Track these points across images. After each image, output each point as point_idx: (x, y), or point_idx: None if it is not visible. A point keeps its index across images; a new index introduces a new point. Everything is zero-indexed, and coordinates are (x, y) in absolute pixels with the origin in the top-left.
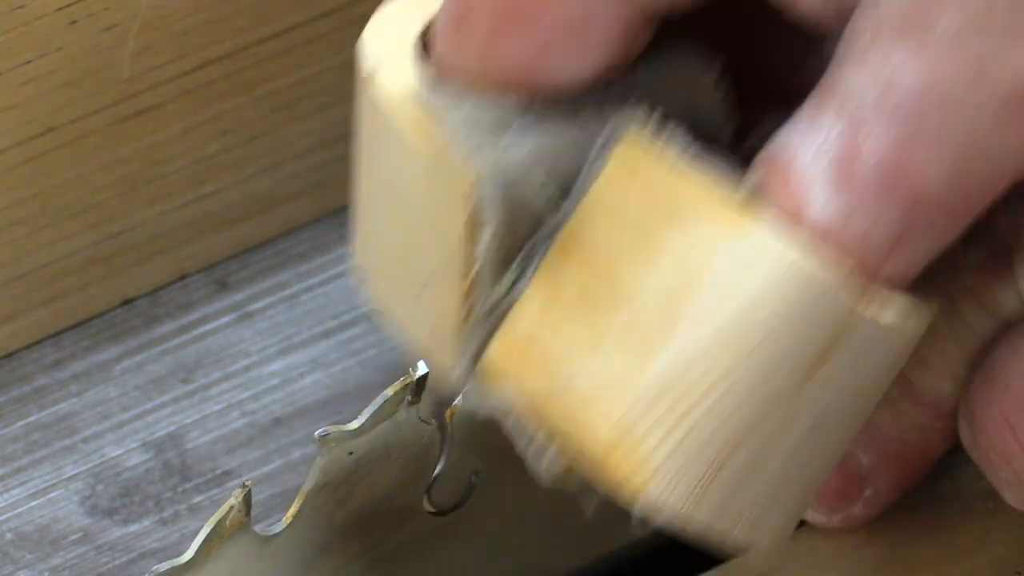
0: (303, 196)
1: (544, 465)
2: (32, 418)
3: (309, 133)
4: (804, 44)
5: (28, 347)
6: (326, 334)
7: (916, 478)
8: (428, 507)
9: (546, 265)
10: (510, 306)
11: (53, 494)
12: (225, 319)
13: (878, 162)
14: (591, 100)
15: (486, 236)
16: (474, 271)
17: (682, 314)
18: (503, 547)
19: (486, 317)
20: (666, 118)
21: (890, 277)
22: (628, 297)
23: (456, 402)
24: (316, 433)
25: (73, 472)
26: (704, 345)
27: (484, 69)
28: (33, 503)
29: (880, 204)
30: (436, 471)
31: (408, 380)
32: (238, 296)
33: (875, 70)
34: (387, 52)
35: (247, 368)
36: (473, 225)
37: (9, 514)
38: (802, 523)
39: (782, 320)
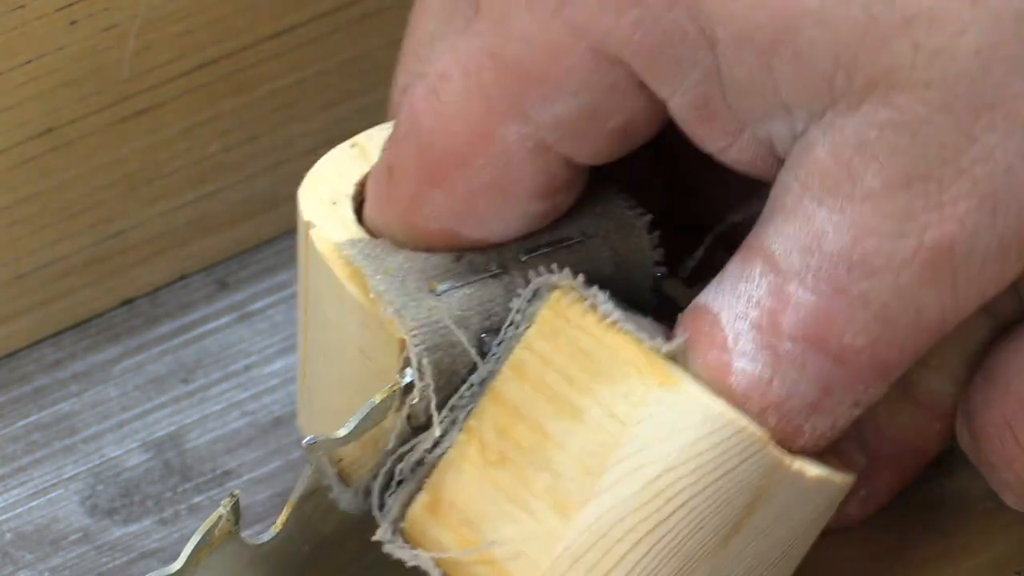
0: None
1: None
2: (32, 418)
3: (309, 133)
4: (748, 182)
5: (28, 347)
6: None
7: (911, 478)
8: None
9: (471, 423)
10: (433, 464)
11: (53, 494)
12: (225, 319)
13: (797, 325)
14: (520, 251)
15: (415, 395)
16: (397, 428)
17: (609, 468)
18: None
19: (410, 474)
20: (596, 263)
21: (808, 443)
22: (554, 452)
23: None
24: (304, 441)
25: (73, 472)
26: (630, 500)
27: (410, 226)
28: (33, 503)
29: (799, 369)
30: None
31: (395, 387)
32: (238, 296)
33: (799, 228)
34: (325, 202)
35: (247, 368)
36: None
37: (9, 514)
38: None
39: (708, 474)
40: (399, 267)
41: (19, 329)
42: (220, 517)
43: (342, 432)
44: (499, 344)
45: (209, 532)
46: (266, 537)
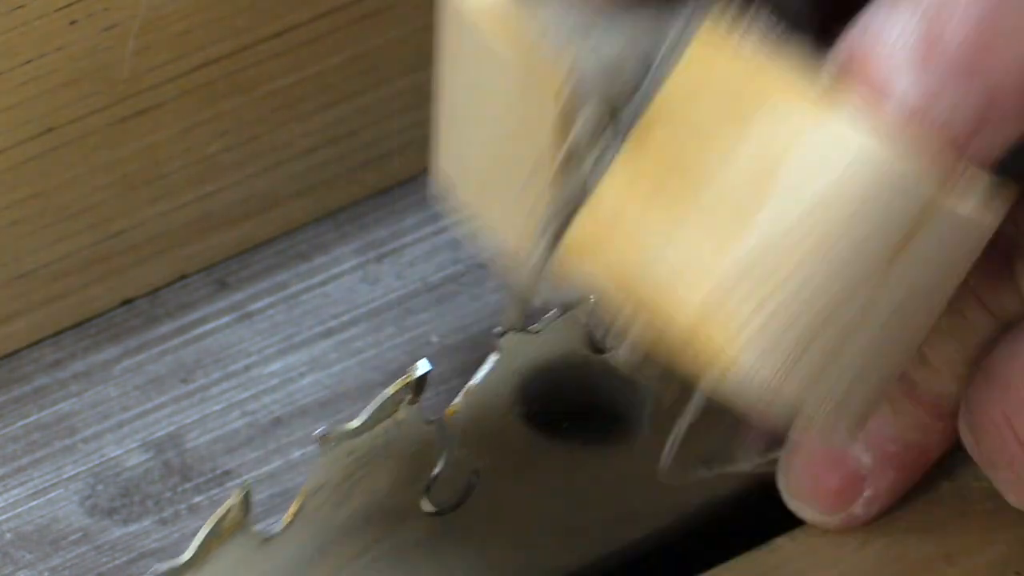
0: (303, 196)
1: (625, 349)
2: (32, 418)
3: (309, 133)
4: None
5: (28, 347)
6: (326, 334)
7: (915, 479)
8: (428, 507)
9: (629, 148)
10: (590, 189)
11: (53, 494)
12: (225, 319)
13: (961, 43)
14: None
15: (582, 119)
16: (561, 156)
17: (765, 197)
18: (502, 547)
19: (567, 200)
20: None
21: (976, 154)
22: (711, 179)
23: (455, 402)
24: (316, 432)
25: (73, 472)
26: (789, 226)
27: None
28: (33, 503)
29: (965, 83)
30: (435, 471)
31: (408, 379)
32: (238, 296)
33: None
34: None
35: (247, 368)
36: (565, 119)
37: (9, 514)
38: (802, 523)
39: (863, 206)
40: (555, 12)
41: (19, 329)
42: (230, 508)
43: (354, 424)
44: (651, 79)
45: (219, 524)
46: (275, 530)
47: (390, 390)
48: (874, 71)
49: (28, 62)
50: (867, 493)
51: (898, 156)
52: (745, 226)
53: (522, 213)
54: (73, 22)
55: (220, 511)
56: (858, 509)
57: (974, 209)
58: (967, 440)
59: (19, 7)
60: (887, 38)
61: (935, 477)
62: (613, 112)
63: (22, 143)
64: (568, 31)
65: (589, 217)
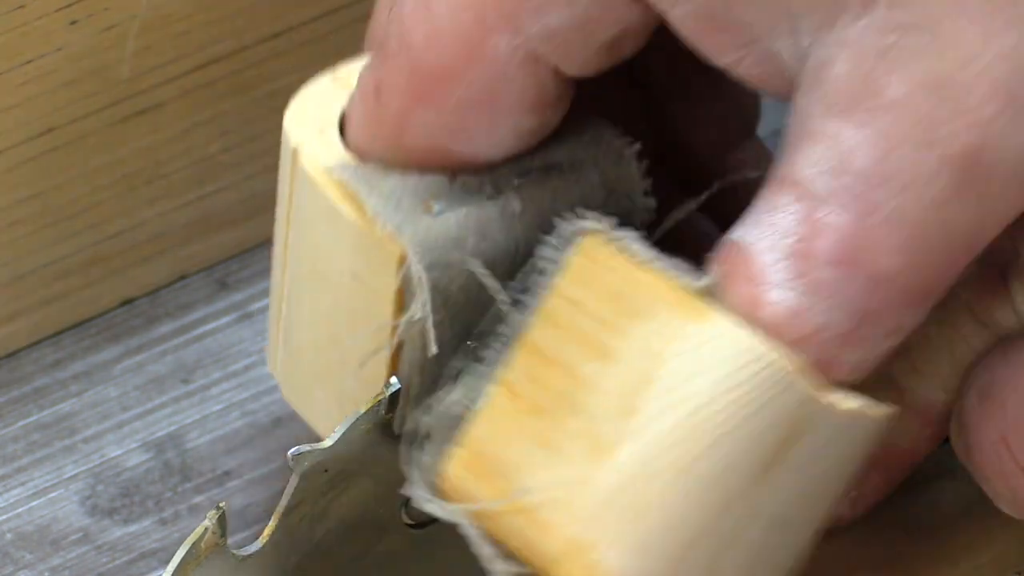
0: None
1: (500, 573)
2: (32, 418)
3: None
4: (737, 124)
5: (28, 347)
6: None
7: (900, 479)
8: (406, 520)
9: (502, 373)
10: (461, 416)
11: (53, 494)
12: (225, 319)
13: (832, 249)
14: (512, 174)
15: (415, 311)
16: (400, 332)
17: (640, 408)
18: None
19: (440, 428)
20: (588, 190)
21: (844, 376)
22: (587, 395)
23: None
24: (289, 452)
25: (73, 472)
26: (664, 439)
27: (398, 145)
28: (33, 503)
29: (833, 297)
30: None
31: (381, 395)
32: (238, 296)
33: (826, 149)
34: (311, 129)
35: (247, 368)
36: (403, 295)
37: (9, 514)
38: None
39: (741, 409)
40: (393, 189)
41: (19, 329)
42: (206, 530)
43: (327, 442)
44: (525, 292)
45: (195, 546)
46: (253, 549)
47: (362, 407)
48: (747, 282)
49: (28, 62)
50: (852, 494)
51: (776, 355)
52: (615, 445)
53: (356, 392)
54: (73, 22)
55: (196, 532)
56: (842, 510)
57: (864, 404)
58: (962, 455)
59: (19, 7)
60: (760, 246)
61: (936, 477)
62: (466, 302)
63: (22, 143)
64: (402, 211)
65: (458, 455)
